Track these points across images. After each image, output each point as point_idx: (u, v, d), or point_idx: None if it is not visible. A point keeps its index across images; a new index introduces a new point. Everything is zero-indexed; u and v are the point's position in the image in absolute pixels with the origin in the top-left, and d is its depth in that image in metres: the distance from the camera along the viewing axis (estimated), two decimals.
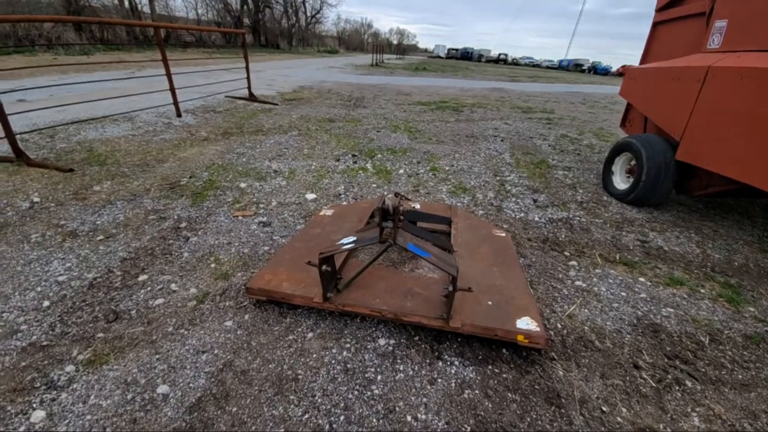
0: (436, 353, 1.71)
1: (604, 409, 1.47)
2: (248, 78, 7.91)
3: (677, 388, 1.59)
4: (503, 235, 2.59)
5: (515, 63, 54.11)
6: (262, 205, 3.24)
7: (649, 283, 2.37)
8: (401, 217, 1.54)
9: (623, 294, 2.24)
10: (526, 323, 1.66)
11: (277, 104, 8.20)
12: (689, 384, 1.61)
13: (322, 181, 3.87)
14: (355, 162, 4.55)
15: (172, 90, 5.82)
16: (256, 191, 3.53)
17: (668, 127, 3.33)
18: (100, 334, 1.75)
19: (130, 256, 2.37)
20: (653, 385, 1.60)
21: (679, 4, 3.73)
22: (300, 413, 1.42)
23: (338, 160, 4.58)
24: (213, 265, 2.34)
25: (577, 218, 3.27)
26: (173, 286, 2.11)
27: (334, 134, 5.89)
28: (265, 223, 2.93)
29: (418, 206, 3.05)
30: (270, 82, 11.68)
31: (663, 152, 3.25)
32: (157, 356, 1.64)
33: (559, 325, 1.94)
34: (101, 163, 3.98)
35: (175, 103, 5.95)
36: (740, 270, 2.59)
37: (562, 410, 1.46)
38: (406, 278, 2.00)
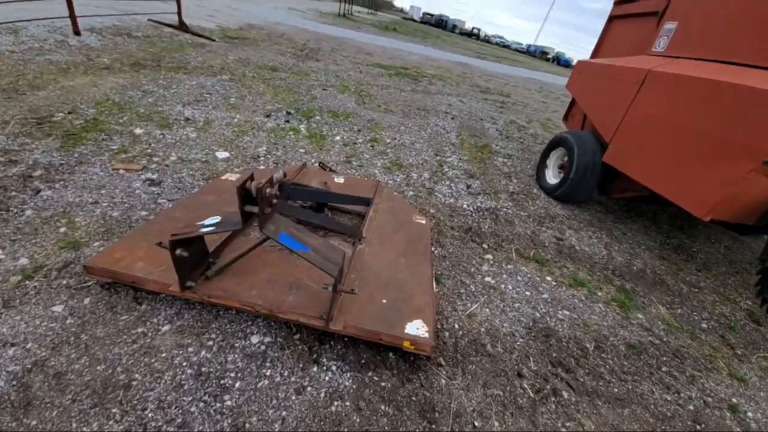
0: (314, 356, 1.51)
1: (476, 423, 1.40)
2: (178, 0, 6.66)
3: (553, 399, 1.57)
4: (423, 222, 2.42)
5: (487, 40, 53.23)
6: (156, 159, 2.71)
7: (554, 283, 2.38)
8: (273, 201, 1.24)
9: (527, 293, 2.21)
10: (415, 327, 1.52)
11: (214, 40, 7.10)
12: (565, 395, 1.61)
13: (242, 139, 3.38)
14: (288, 121, 4.05)
15: None
16: (153, 140, 2.95)
17: (601, 128, 3.32)
18: None
19: None
20: (531, 395, 1.57)
21: None
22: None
23: (268, 116, 4.04)
24: (63, 230, 1.87)
25: (504, 209, 3.22)
26: None
27: (273, 86, 5.23)
28: (153, 181, 2.44)
29: (342, 180, 2.77)
30: (213, 13, 10.11)
31: (593, 152, 3.26)
32: None
33: (456, 325, 1.84)
34: None
35: (72, 15, 4.79)
36: (637, 275, 2.72)
37: (434, 426, 1.36)
38: (297, 267, 1.74)
